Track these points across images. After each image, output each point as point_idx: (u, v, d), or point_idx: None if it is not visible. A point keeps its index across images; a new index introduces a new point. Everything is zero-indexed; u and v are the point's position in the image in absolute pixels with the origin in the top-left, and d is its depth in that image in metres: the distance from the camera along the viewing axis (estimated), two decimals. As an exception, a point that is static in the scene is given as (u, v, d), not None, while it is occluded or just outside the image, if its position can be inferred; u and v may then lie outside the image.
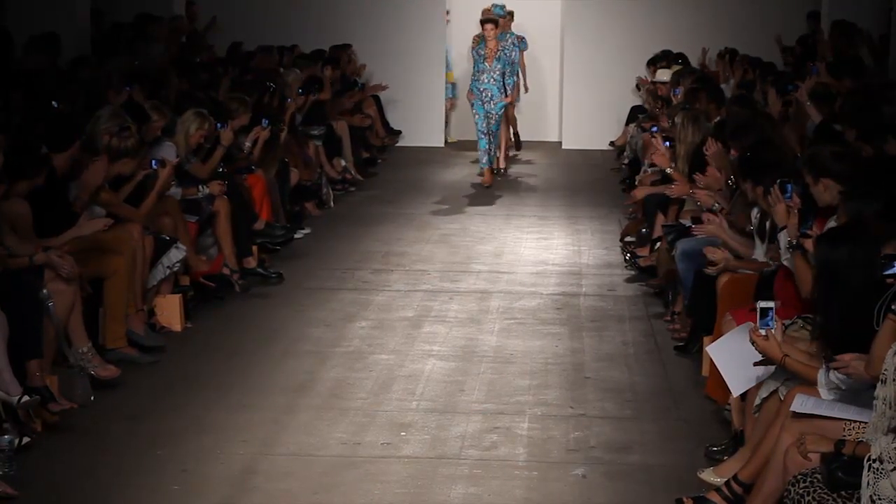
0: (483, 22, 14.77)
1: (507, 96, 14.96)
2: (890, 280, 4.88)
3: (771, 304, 5.44)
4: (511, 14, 17.11)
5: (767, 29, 16.89)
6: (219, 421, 6.86)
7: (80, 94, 9.48)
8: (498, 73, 14.69)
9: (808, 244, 6.00)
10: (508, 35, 15.92)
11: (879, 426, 4.64)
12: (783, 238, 6.81)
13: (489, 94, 14.65)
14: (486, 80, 14.64)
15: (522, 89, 17.31)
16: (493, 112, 14.71)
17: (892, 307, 4.82)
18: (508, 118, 16.76)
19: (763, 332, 5.39)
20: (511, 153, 17.02)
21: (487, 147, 14.74)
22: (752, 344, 5.46)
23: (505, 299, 9.69)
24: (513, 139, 17.49)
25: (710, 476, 5.89)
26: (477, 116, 14.76)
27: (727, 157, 8.44)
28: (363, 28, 17.87)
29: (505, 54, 14.92)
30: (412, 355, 8.18)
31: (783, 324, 5.85)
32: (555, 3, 18.94)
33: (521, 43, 16.65)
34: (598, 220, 12.87)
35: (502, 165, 15.67)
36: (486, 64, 14.59)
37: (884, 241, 5.06)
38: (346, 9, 18.10)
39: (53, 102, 8.65)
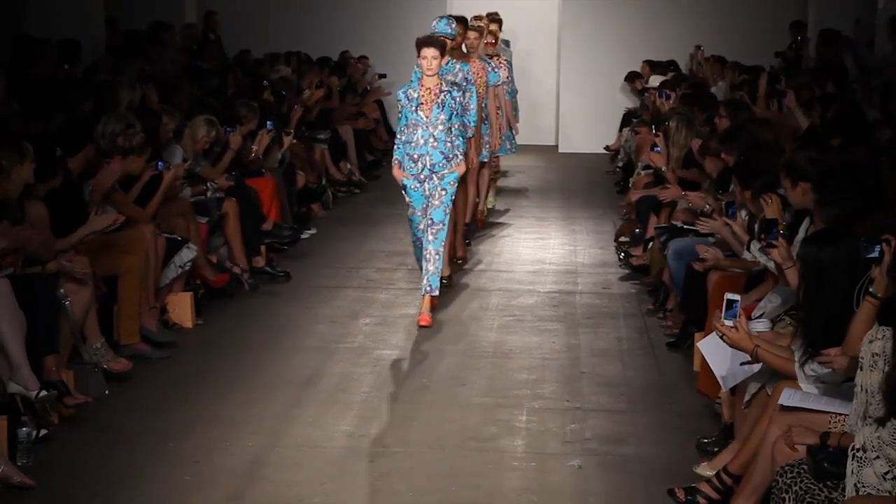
0: (420, 45, 8.83)
1: (460, 162, 8.95)
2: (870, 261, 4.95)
3: (737, 296, 5.47)
4: (497, 22, 12.97)
5: (757, 36, 17.04)
6: (229, 414, 6.93)
7: (93, 98, 9.61)
8: (442, 127, 8.77)
9: (774, 254, 6.06)
10: (459, 65, 10.03)
11: (858, 412, 4.73)
12: (754, 246, 6.92)
13: (428, 163, 8.82)
14: (422, 142, 8.79)
15: (505, 139, 12.44)
16: (438, 190, 8.88)
17: (870, 289, 4.90)
18: (479, 182, 11.62)
19: (731, 323, 5.41)
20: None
21: (425, 254, 8.92)
22: (721, 338, 5.49)
23: (504, 297, 9.75)
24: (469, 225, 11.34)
25: (705, 470, 5.96)
26: (411, 208, 8.99)
27: (713, 163, 8.60)
28: (366, 34, 17.95)
29: (452, 98, 8.83)
30: (414, 351, 8.23)
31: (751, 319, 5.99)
32: (551, 9, 19.08)
33: (493, 73, 11.44)
34: (593, 220, 12.95)
35: (446, 273, 9.68)
36: (420, 114, 8.79)
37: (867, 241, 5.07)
38: (349, 15, 18.26)
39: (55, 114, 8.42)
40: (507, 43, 15.43)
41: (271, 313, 9.20)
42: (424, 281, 8.89)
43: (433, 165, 8.84)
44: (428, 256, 8.90)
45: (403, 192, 8.95)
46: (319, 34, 17.82)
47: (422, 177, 8.84)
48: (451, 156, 8.88)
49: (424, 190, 8.87)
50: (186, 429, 6.70)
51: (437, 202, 8.87)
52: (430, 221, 8.89)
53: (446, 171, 8.86)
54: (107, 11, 14.11)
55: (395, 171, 8.97)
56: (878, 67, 12.62)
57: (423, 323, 8.76)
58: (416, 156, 8.84)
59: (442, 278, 9.28)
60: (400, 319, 8.96)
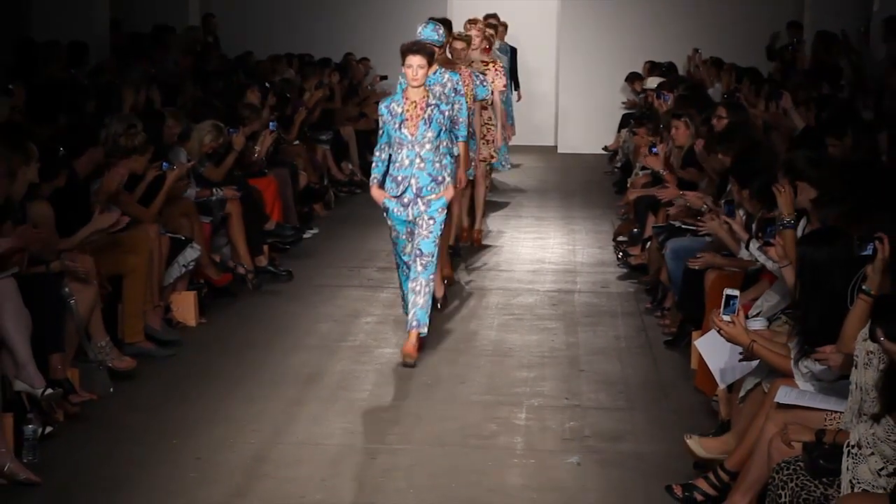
0: (405, 52, 7.95)
1: (448, 185, 8.08)
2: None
3: (735, 292, 5.52)
4: (494, 27, 12.75)
5: (754, 38, 17.09)
6: (231, 411, 6.99)
7: (96, 99, 9.68)
8: (429, 146, 7.93)
9: (772, 252, 6.12)
10: (447, 75, 9.14)
11: (853, 409, 4.78)
12: (753, 245, 6.97)
13: (415, 186, 7.97)
14: (407, 162, 7.94)
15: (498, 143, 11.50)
16: (425, 218, 8.01)
17: (863, 287, 4.94)
18: (475, 191, 11.32)
19: (728, 318, 5.46)
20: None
21: (414, 285, 8.03)
22: (718, 332, 5.53)
23: (504, 296, 9.81)
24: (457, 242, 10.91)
25: (695, 444, 5.96)
26: (394, 232, 8.18)
27: (713, 161, 8.66)
28: (367, 36, 18.02)
29: (440, 113, 7.97)
30: (415, 349, 8.26)
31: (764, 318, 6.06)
32: (551, 9, 19.16)
33: (482, 83, 10.39)
34: (591, 220, 13.01)
35: (439, 294, 9.06)
36: (404, 132, 7.93)
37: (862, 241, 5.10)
38: (351, 17, 18.35)
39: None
40: (503, 50, 15.33)
41: (274, 312, 9.26)
42: (410, 315, 8.02)
43: (419, 189, 7.95)
44: (418, 288, 7.97)
45: (385, 215, 8.11)
46: (321, 36, 17.91)
47: (405, 200, 7.96)
48: (439, 178, 8.00)
49: (408, 214, 8.01)
50: (190, 426, 6.75)
51: (425, 232, 7.97)
52: (418, 252, 7.99)
53: (433, 196, 7.98)
54: (110, 13, 14.20)
55: (374, 192, 8.05)
56: (873, 69, 12.70)
57: (409, 355, 7.86)
58: (399, 177, 7.95)
59: (436, 301, 8.68)
60: (400, 318, 8.91)
